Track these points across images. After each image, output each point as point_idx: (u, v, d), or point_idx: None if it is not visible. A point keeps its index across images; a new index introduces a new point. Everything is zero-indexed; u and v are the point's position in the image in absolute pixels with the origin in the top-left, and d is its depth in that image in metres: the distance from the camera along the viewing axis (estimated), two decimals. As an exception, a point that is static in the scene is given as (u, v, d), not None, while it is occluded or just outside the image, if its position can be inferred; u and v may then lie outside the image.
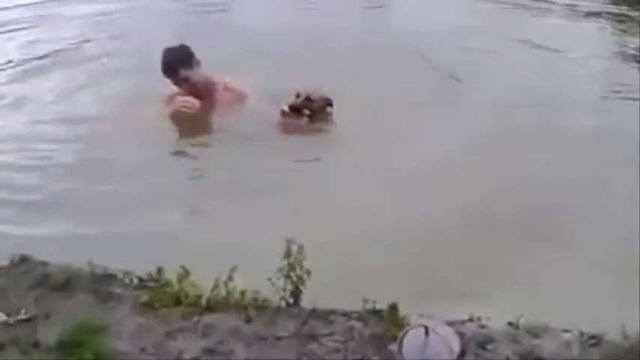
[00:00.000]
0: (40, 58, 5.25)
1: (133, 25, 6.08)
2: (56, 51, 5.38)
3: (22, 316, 2.14)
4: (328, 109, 3.98)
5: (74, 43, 5.57)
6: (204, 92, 4.05)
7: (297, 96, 3.88)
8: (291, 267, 2.21)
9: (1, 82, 4.83)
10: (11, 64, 5.13)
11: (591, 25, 6.30)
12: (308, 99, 3.87)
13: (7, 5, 6.78)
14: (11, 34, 6.00)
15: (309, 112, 3.86)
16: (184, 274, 2.29)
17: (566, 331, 2.12)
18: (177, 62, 3.98)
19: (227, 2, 6.69)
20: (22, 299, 2.24)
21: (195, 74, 4.01)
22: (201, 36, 4.88)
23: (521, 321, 2.13)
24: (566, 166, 3.45)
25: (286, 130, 3.87)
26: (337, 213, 3.06)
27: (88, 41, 5.64)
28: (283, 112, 3.85)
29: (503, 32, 5.69)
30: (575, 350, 2.02)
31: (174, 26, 5.83)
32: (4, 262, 2.50)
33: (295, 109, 3.85)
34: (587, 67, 5.10)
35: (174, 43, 4.07)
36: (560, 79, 4.67)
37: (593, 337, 2.07)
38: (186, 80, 4.00)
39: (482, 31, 5.63)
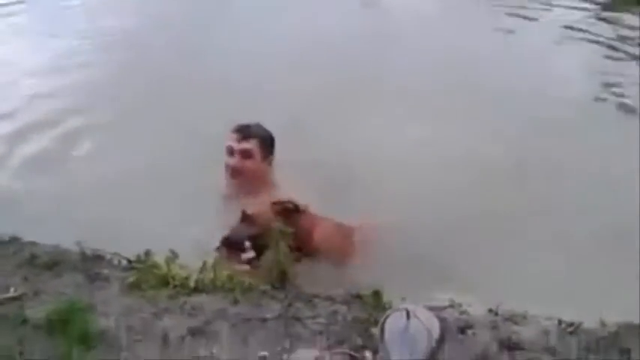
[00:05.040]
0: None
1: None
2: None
3: (10, 294, 2.17)
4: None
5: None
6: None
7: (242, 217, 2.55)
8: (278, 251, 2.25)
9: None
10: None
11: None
12: (247, 220, 2.51)
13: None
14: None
15: (250, 246, 2.47)
16: (172, 256, 2.32)
17: (546, 319, 2.17)
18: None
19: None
20: (10, 278, 2.27)
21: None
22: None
23: (501, 308, 2.18)
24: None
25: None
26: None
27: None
28: (217, 250, 2.51)
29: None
30: (553, 337, 2.07)
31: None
32: (-7, 242, 2.53)
33: (230, 244, 2.49)
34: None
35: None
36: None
37: (570, 324, 2.11)
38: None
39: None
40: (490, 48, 4.92)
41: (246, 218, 2.54)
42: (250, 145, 2.98)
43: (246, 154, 2.97)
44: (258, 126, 3.05)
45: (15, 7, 6.09)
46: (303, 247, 2.49)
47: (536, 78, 4.38)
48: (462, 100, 3.99)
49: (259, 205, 2.60)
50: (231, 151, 2.98)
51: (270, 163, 3.05)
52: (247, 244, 2.47)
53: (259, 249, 2.43)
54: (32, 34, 5.61)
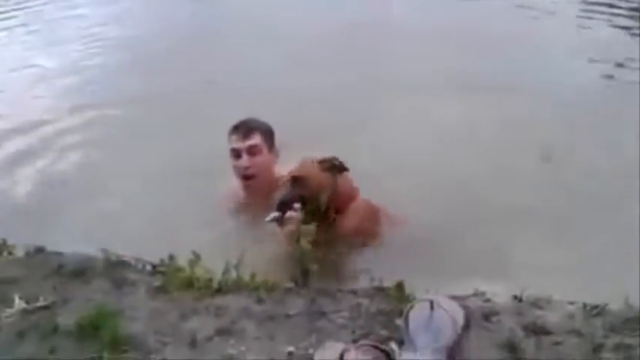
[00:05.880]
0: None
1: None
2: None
3: (40, 303, 2.21)
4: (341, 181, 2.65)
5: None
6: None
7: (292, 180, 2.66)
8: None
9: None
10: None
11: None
12: (297, 181, 2.61)
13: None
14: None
15: (300, 207, 2.58)
16: (195, 259, 2.35)
17: (570, 303, 2.16)
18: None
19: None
20: (39, 287, 2.30)
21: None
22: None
23: (525, 294, 2.18)
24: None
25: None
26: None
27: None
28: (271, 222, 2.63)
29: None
30: (579, 320, 2.07)
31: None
32: (20, 253, 2.57)
33: (282, 208, 2.60)
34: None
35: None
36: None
37: (595, 307, 2.11)
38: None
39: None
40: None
41: (296, 180, 2.61)
42: (255, 140, 2.88)
43: (253, 151, 2.88)
44: (255, 119, 2.96)
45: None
46: (337, 211, 2.63)
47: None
48: (484, 87, 4.00)
49: (300, 168, 2.65)
50: (237, 154, 2.87)
51: (276, 155, 2.98)
52: (297, 205, 2.57)
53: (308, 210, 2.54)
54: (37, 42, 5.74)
